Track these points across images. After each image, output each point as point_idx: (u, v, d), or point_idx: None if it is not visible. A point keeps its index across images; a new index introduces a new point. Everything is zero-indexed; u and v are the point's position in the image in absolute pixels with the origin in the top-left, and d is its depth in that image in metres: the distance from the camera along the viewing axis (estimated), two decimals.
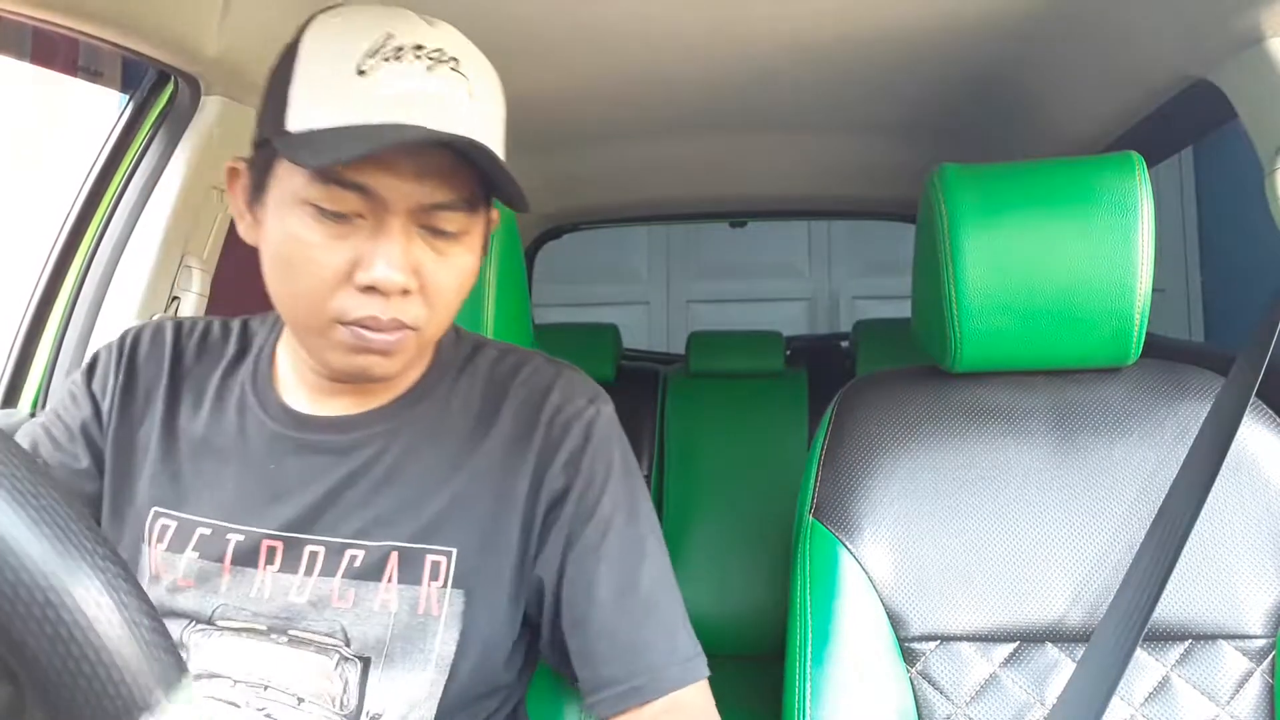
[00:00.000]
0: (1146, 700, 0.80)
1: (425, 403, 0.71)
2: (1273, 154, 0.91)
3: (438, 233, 0.62)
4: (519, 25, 1.13)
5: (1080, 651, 0.80)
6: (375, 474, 0.67)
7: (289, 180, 0.60)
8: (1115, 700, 0.77)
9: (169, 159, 1.08)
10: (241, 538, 0.67)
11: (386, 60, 0.57)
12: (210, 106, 1.06)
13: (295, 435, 0.69)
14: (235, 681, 0.66)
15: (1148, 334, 0.85)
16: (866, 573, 0.83)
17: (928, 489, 0.86)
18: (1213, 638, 0.80)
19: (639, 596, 0.66)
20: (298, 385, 0.71)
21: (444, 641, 0.66)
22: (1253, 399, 0.84)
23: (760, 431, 1.91)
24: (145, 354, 0.74)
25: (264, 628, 0.66)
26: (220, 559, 0.67)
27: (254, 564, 0.66)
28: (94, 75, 1.36)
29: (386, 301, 0.60)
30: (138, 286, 1.07)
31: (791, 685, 0.83)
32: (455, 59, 0.61)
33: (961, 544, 0.84)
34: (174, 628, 0.68)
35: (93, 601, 0.28)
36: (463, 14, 1.11)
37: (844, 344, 2.30)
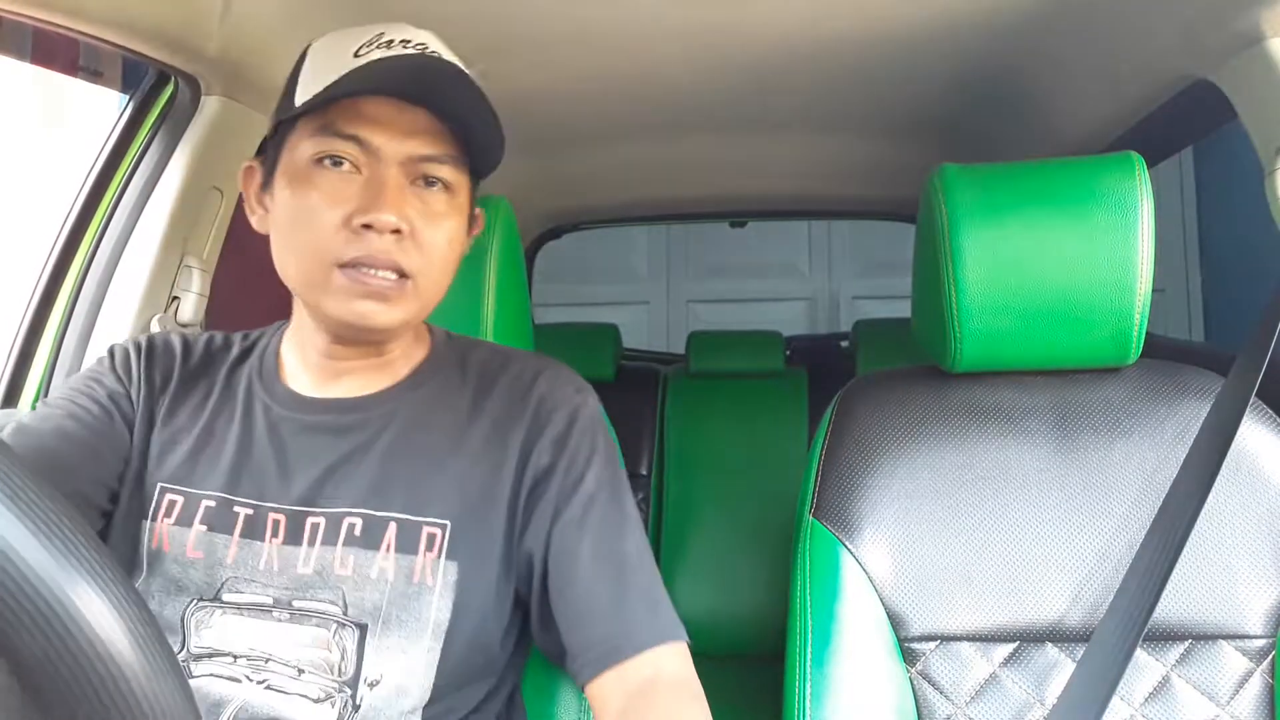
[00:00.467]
0: (1146, 700, 0.80)
1: (422, 389, 0.76)
2: (1273, 154, 0.91)
3: (429, 183, 0.69)
4: (519, 25, 1.13)
5: (1080, 651, 0.80)
6: (375, 451, 0.72)
7: (294, 152, 0.68)
8: (1115, 700, 0.77)
9: (169, 159, 1.08)
10: (250, 511, 0.70)
11: (379, 48, 0.67)
12: (210, 106, 1.06)
13: (299, 416, 0.73)
14: (236, 657, 0.68)
15: (1148, 334, 0.85)
16: (866, 573, 0.83)
17: (928, 489, 0.86)
18: (1213, 638, 0.80)
19: (620, 566, 0.69)
20: (303, 372, 0.76)
21: (439, 610, 0.68)
22: (1253, 399, 0.84)
23: (760, 431, 1.91)
24: (160, 352, 0.78)
25: (269, 601, 0.68)
26: (229, 531, 0.70)
27: (261, 537, 0.70)
28: (94, 75, 1.36)
29: (381, 240, 0.65)
30: (138, 286, 1.07)
31: (791, 685, 0.83)
32: (438, 53, 0.70)
33: (962, 544, 0.84)
34: (178, 606, 0.69)
35: (105, 624, 0.28)
36: (463, 14, 1.12)
37: (844, 344, 2.30)
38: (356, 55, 0.67)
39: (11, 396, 1.07)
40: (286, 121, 0.69)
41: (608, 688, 0.66)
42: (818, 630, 0.82)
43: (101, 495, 0.71)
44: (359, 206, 0.65)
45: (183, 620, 0.69)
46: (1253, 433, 0.85)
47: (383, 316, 0.67)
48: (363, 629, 0.68)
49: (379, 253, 0.65)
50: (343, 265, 0.66)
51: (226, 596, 0.69)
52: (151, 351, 0.77)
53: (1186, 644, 0.81)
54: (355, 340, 0.72)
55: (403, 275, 0.67)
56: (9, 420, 1.01)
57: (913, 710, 0.81)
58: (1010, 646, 0.82)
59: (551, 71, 1.29)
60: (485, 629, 0.70)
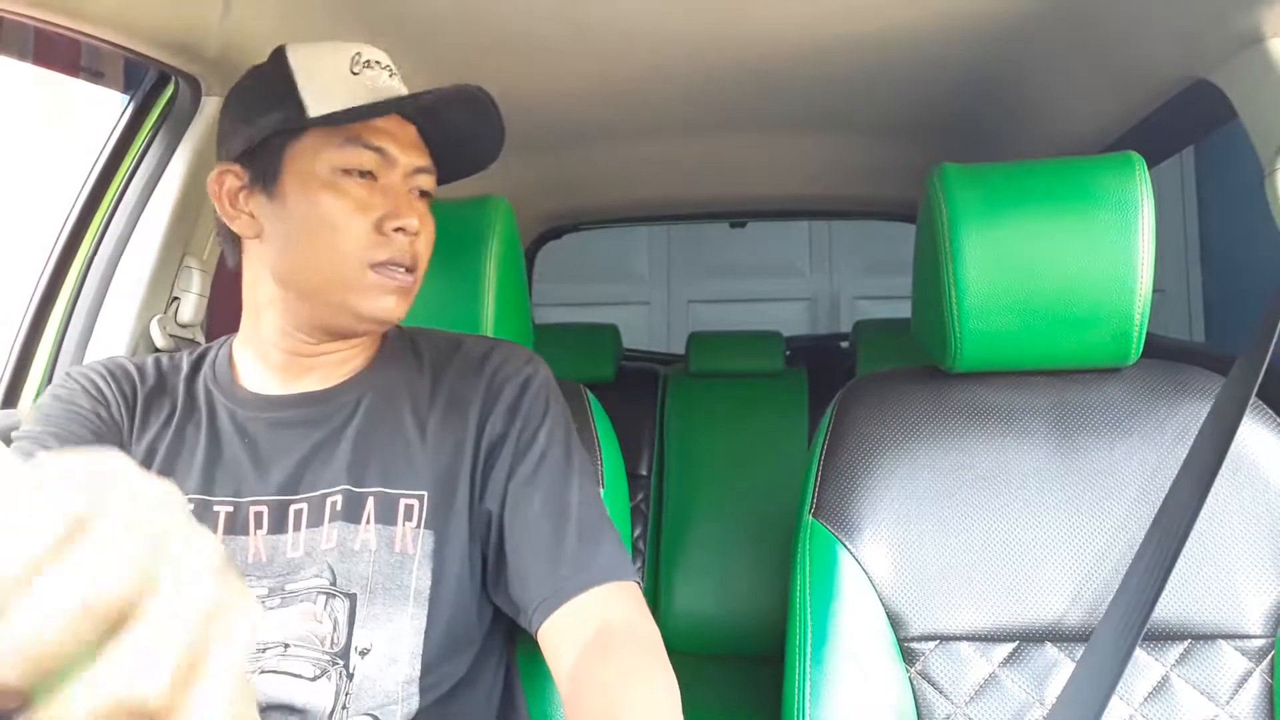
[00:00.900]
0: (1146, 700, 0.80)
1: (381, 374, 0.80)
2: (1273, 154, 0.91)
3: (421, 194, 0.77)
4: (519, 25, 1.13)
5: (1080, 651, 0.80)
6: (347, 435, 0.75)
7: (313, 160, 0.72)
8: (1115, 700, 0.77)
9: (169, 159, 1.08)
10: (230, 508, 0.72)
11: (368, 68, 0.75)
12: (210, 107, 1.06)
13: (266, 415, 0.76)
14: None
15: (1148, 334, 0.85)
16: (866, 573, 0.83)
17: (928, 489, 0.86)
18: (1212, 637, 0.80)
19: (567, 516, 0.72)
20: (264, 372, 0.78)
21: (419, 578, 0.71)
22: (1253, 399, 0.84)
23: (760, 431, 1.91)
24: (120, 375, 0.79)
25: (264, 592, 0.70)
26: (212, 531, 0.69)
27: (244, 531, 0.72)
28: (95, 76, 1.36)
29: (405, 241, 0.73)
30: (138, 286, 1.08)
31: (791, 685, 0.83)
32: (397, 73, 0.79)
33: (961, 544, 0.84)
34: None
35: None
36: (463, 14, 1.12)
37: (844, 344, 2.30)
38: (354, 74, 0.74)
39: (11, 396, 1.07)
40: (287, 130, 0.72)
41: (557, 634, 0.67)
42: (817, 630, 0.82)
43: None
44: (389, 212, 0.72)
45: None
46: (1253, 433, 0.85)
47: (401, 309, 0.74)
48: (352, 599, 0.70)
49: (403, 253, 0.73)
50: (374, 265, 0.72)
51: None
52: (113, 374, 0.79)
53: (1186, 644, 0.81)
54: (348, 334, 0.76)
55: (414, 272, 0.75)
56: (9, 420, 1.01)
57: (912, 710, 0.81)
58: (1010, 646, 0.82)
59: (551, 72, 1.29)
60: (463, 594, 0.73)
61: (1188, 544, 0.78)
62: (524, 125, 1.54)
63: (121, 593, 0.25)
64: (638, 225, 3.17)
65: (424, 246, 0.76)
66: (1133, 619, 0.77)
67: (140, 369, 0.80)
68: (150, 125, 1.10)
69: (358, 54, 0.75)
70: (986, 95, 1.38)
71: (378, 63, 0.76)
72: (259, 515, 0.72)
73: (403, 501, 0.73)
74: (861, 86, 1.38)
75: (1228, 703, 0.79)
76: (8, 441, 0.73)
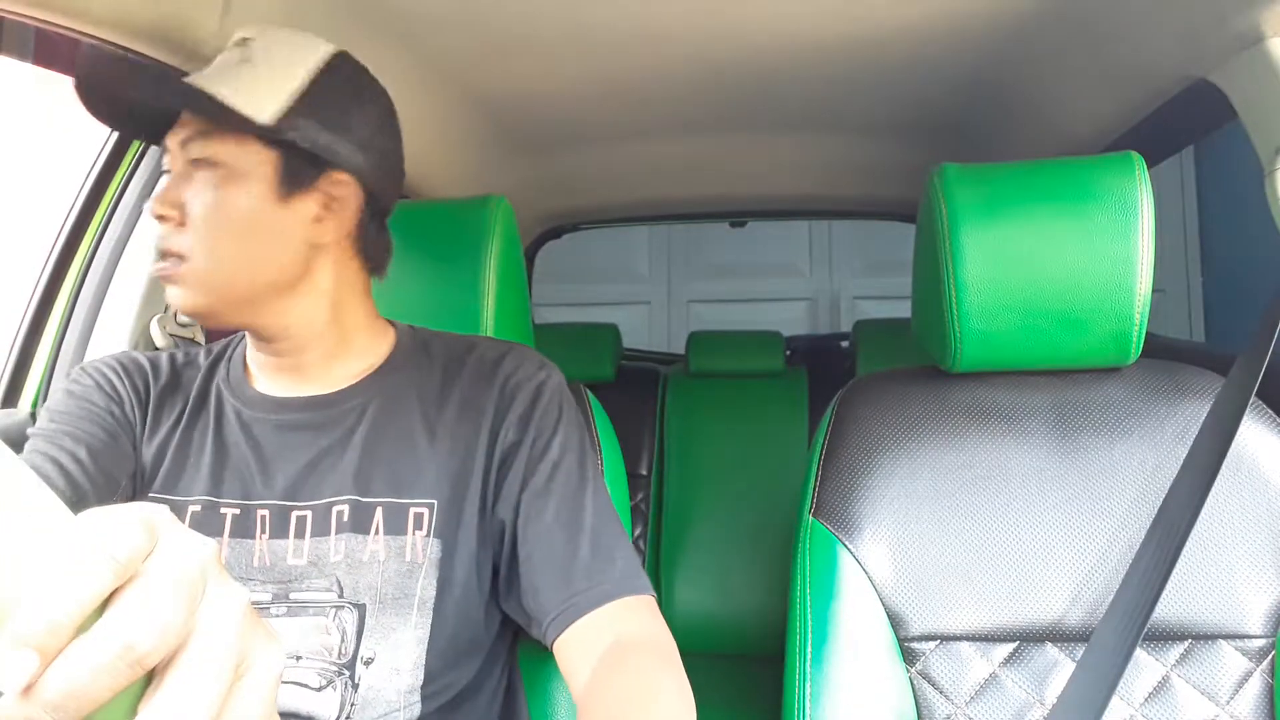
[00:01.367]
0: (1146, 700, 0.80)
1: (391, 378, 0.78)
2: (1273, 154, 0.91)
3: (199, 164, 0.70)
4: (519, 26, 1.13)
5: (1080, 651, 0.80)
6: (354, 441, 0.74)
7: None
8: (1115, 700, 0.77)
9: None
10: (237, 510, 0.72)
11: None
12: None
13: (272, 417, 0.75)
14: None
15: (1148, 334, 0.85)
16: (866, 572, 0.83)
17: (928, 489, 0.86)
18: (1212, 638, 0.80)
19: (581, 527, 0.71)
20: (269, 374, 0.77)
21: (424, 587, 0.70)
22: (1253, 399, 0.84)
23: (760, 431, 1.91)
24: (134, 370, 0.79)
25: (268, 598, 0.69)
26: (219, 532, 0.71)
27: (251, 534, 0.71)
28: None
29: (162, 229, 0.70)
30: (137, 287, 1.08)
31: (791, 685, 0.83)
32: (236, 46, 0.73)
33: (961, 544, 0.84)
34: None
35: None
36: (463, 14, 1.12)
37: (844, 344, 2.30)
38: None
39: (11, 396, 1.07)
40: None
41: (573, 648, 0.66)
42: (817, 630, 0.82)
43: None
44: None
45: None
46: (1253, 433, 0.85)
47: (177, 299, 0.70)
48: (361, 609, 0.69)
49: (157, 240, 0.70)
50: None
51: None
52: (127, 369, 0.78)
53: (1186, 644, 0.81)
54: (227, 330, 0.76)
55: (177, 257, 0.69)
56: (9, 420, 1.01)
57: (912, 710, 0.81)
58: (1010, 646, 0.82)
59: (551, 72, 1.29)
60: (469, 603, 0.72)
61: (1188, 544, 0.78)
62: (524, 125, 1.55)
63: (162, 643, 0.26)
64: (638, 225, 3.17)
65: (193, 227, 0.69)
66: (1133, 619, 0.77)
67: (154, 364, 0.79)
68: None
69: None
70: (986, 95, 1.38)
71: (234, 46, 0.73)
72: (264, 518, 0.71)
73: (412, 510, 0.72)
74: (861, 86, 1.38)
75: (1228, 703, 0.79)
76: (9, 441, 0.73)
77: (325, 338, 0.76)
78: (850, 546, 0.84)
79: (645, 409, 1.97)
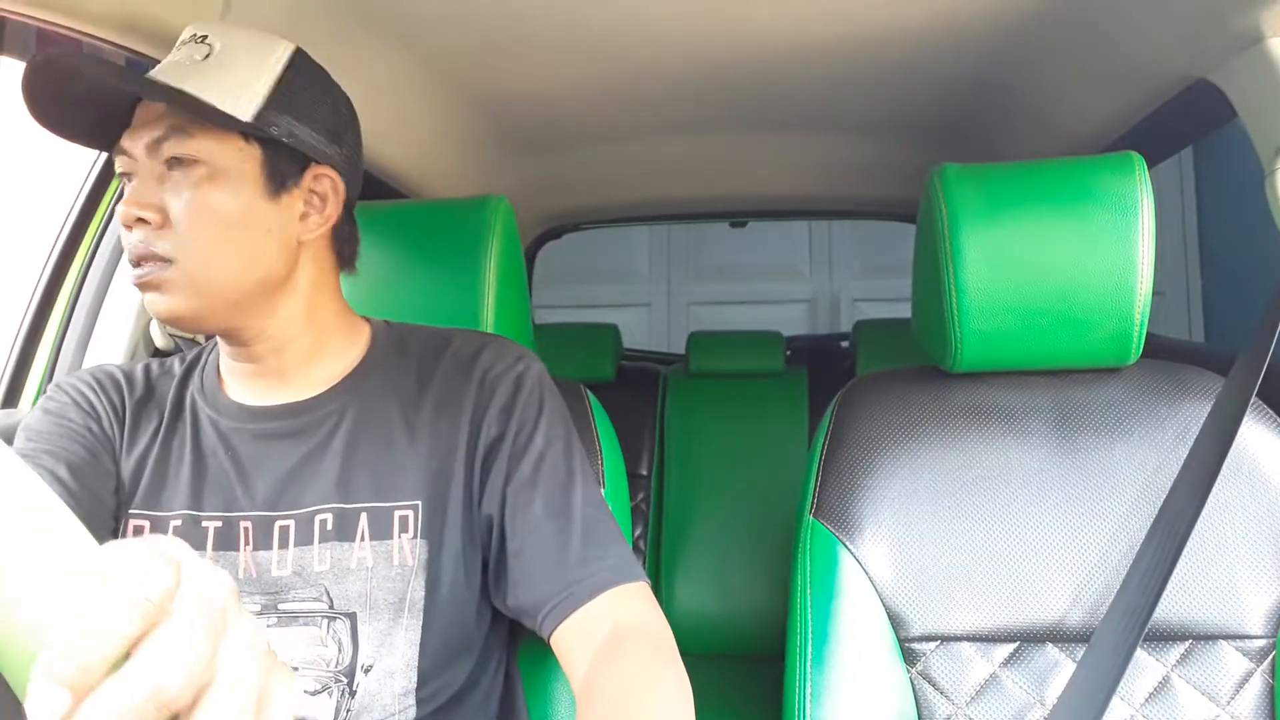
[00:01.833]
0: (1147, 700, 0.80)
1: (367, 379, 0.76)
2: (1273, 154, 0.91)
3: (176, 163, 0.67)
4: (519, 26, 1.13)
5: (1080, 652, 0.80)
6: (333, 447, 0.72)
7: None
8: (1115, 700, 0.77)
9: None
10: (219, 523, 0.71)
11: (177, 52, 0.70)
12: None
13: (249, 426, 0.74)
14: None
15: (1148, 334, 0.85)
16: (867, 573, 0.83)
17: (928, 489, 0.86)
18: (1213, 638, 0.80)
19: (571, 518, 0.70)
20: (241, 382, 0.76)
21: (414, 589, 0.70)
22: (1253, 399, 0.84)
23: (760, 431, 1.91)
24: (109, 385, 0.77)
25: (256, 609, 0.69)
26: (201, 546, 0.70)
27: (235, 547, 0.70)
28: None
29: (135, 233, 0.66)
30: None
31: (791, 685, 0.83)
32: (192, 42, 0.70)
33: (962, 544, 0.84)
34: None
35: None
36: (463, 14, 1.12)
37: (844, 344, 2.30)
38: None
39: (11, 397, 1.07)
40: None
41: (570, 640, 0.66)
42: (818, 630, 0.82)
43: (108, 534, 0.71)
44: None
45: None
46: (1253, 433, 0.85)
47: (161, 304, 0.67)
48: (352, 618, 0.69)
49: (133, 246, 0.66)
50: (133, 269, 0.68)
51: None
52: (102, 384, 0.76)
53: (1187, 644, 0.81)
54: (207, 334, 0.73)
55: (162, 261, 0.66)
56: (9, 420, 1.01)
57: (913, 710, 0.81)
58: (1010, 647, 0.82)
59: (551, 72, 1.29)
60: (458, 603, 0.72)
61: (1188, 544, 0.78)
62: (524, 125, 1.55)
63: (190, 685, 0.27)
64: (638, 225, 3.17)
65: (176, 230, 0.66)
66: (1134, 619, 0.77)
67: (129, 377, 0.78)
68: None
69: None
70: (986, 95, 1.38)
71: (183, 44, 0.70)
72: (247, 530, 0.70)
73: (397, 513, 0.71)
74: (861, 86, 1.38)
75: (1229, 703, 0.79)
76: (9, 440, 0.73)
77: (302, 337, 0.74)
78: (850, 547, 0.84)
79: (645, 409, 1.97)
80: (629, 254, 3.88)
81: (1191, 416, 0.86)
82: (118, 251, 1.09)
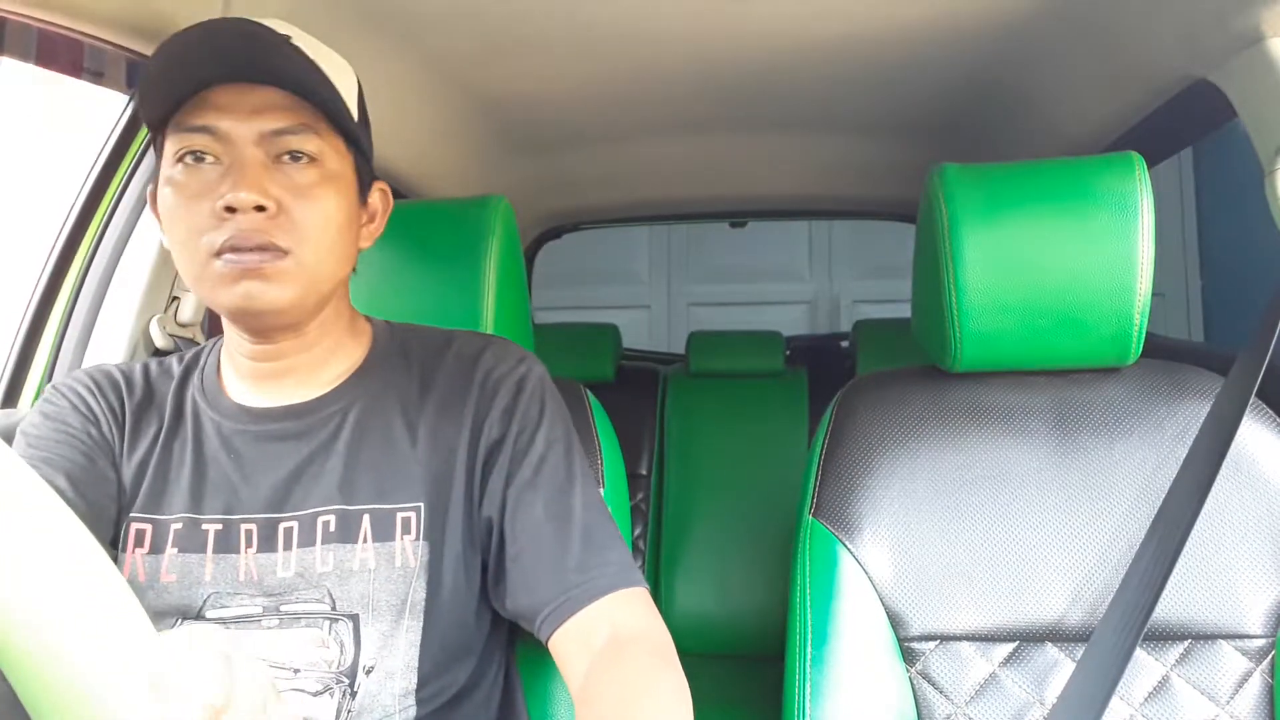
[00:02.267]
0: (1146, 700, 0.80)
1: (368, 380, 0.76)
2: (1273, 154, 0.91)
3: (294, 158, 0.67)
4: (519, 26, 1.13)
5: (1080, 651, 0.80)
6: (335, 449, 0.72)
7: (165, 155, 0.68)
8: (1115, 700, 0.77)
9: None
10: (219, 526, 0.70)
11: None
12: None
13: (251, 428, 0.73)
14: None
15: (1148, 334, 0.86)
16: (866, 572, 0.83)
17: (928, 489, 0.86)
18: (1212, 637, 0.80)
19: (571, 521, 0.70)
20: (245, 383, 0.75)
21: (415, 590, 0.70)
22: (1253, 399, 0.84)
23: (760, 431, 1.92)
24: (108, 386, 0.76)
25: (257, 611, 0.69)
26: (201, 549, 0.70)
27: (235, 549, 0.70)
28: (96, 77, 1.36)
29: (248, 219, 0.64)
30: (138, 286, 1.08)
31: (791, 685, 0.83)
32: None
33: (961, 544, 0.84)
34: (160, 628, 0.68)
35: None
36: (463, 14, 1.12)
37: (844, 344, 2.30)
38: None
39: (11, 397, 1.07)
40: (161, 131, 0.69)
41: (569, 644, 0.66)
42: (817, 630, 0.82)
43: (109, 541, 0.71)
44: (221, 192, 0.64)
45: None
46: (1253, 433, 0.85)
47: (268, 294, 0.65)
48: (355, 619, 0.69)
49: (247, 232, 0.64)
50: (217, 253, 0.64)
51: (210, 614, 0.69)
52: (101, 386, 0.76)
53: (1186, 644, 0.81)
54: (264, 330, 0.71)
55: (279, 251, 0.65)
56: (9, 420, 1.01)
57: (912, 710, 0.81)
58: (1010, 646, 0.82)
59: (551, 72, 1.29)
60: (459, 604, 0.71)
61: (1188, 544, 0.78)
62: (524, 125, 1.55)
63: None
64: (637, 225, 3.17)
65: (295, 223, 0.66)
66: (1133, 619, 0.77)
67: (128, 378, 0.77)
68: None
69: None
70: (986, 95, 1.38)
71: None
72: (249, 533, 0.70)
73: (399, 515, 0.71)
74: (861, 86, 1.38)
75: (1228, 703, 0.79)
76: (9, 441, 0.73)
77: (327, 336, 0.75)
78: (850, 546, 0.84)
79: (645, 409, 1.97)
80: (629, 255, 3.88)
81: (1191, 416, 0.86)
82: (119, 250, 1.09)
